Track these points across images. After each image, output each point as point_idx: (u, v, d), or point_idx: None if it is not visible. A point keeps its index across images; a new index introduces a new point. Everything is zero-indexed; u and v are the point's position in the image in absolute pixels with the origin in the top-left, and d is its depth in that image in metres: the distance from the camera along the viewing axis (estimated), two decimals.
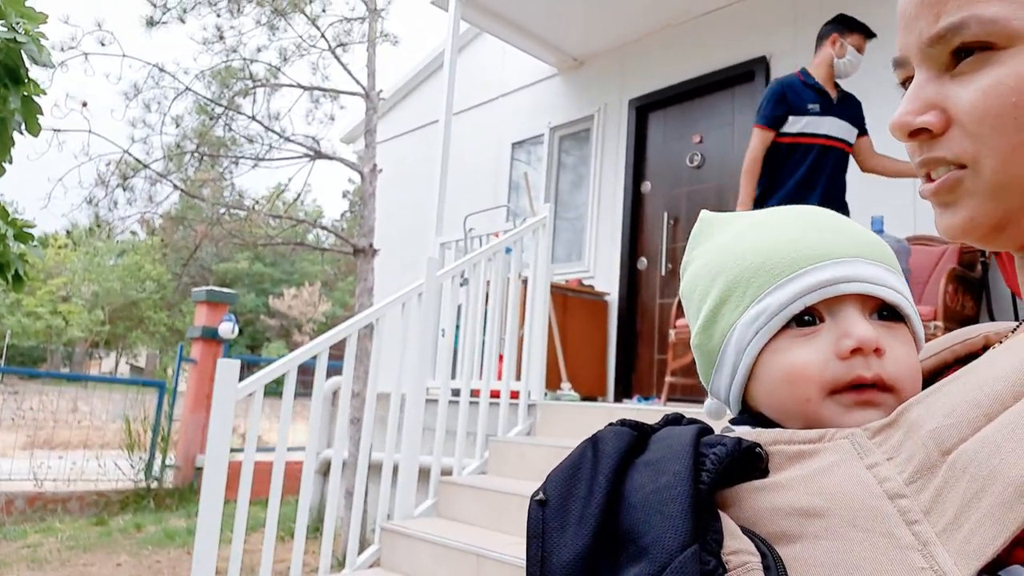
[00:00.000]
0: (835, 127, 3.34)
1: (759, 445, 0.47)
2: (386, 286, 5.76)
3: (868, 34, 3.40)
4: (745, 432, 0.50)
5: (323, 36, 5.72)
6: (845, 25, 3.38)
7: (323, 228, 6.24)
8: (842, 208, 3.34)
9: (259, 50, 5.84)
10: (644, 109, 5.71)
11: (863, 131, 3.49)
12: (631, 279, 5.56)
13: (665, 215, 5.38)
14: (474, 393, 3.92)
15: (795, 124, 3.29)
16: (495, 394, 3.85)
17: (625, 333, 5.46)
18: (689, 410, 0.66)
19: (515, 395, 3.98)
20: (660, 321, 5.29)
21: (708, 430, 0.51)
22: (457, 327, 4.17)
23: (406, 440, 3.34)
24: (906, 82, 0.58)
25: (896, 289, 0.54)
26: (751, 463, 0.46)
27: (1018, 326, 0.62)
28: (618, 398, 5.33)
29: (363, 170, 5.57)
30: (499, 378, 3.92)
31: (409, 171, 7.49)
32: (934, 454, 0.41)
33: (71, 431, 9.33)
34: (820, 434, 0.46)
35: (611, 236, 5.76)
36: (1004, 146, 0.49)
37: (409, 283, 3.53)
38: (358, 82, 5.59)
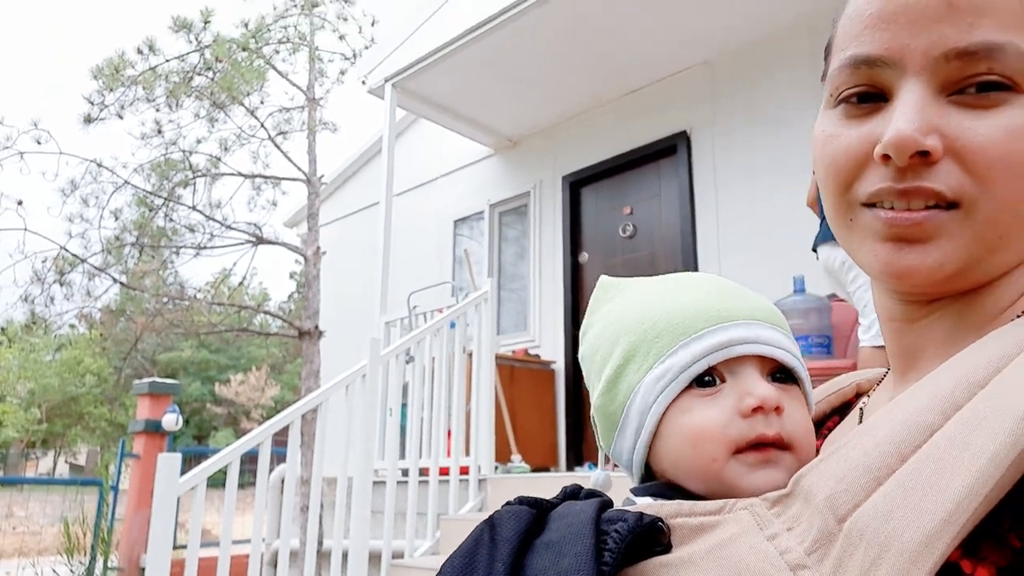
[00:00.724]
0: None
1: (661, 519, 0.46)
2: (334, 367, 5.75)
3: None
4: (646, 505, 0.50)
5: (263, 126, 5.86)
6: None
7: (267, 313, 6.23)
8: None
9: (199, 141, 5.93)
10: (577, 184, 5.96)
11: None
12: (575, 347, 5.66)
13: None
14: (423, 472, 3.91)
15: None
16: (444, 471, 3.85)
17: (573, 400, 5.54)
18: None
19: (465, 471, 3.98)
20: None
21: (608, 503, 0.51)
22: (404, 405, 4.19)
23: (355, 524, 3.31)
24: (855, 89, 0.52)
25: (791, 352, 0.55)
26: (653, 538, 0.45)
27: (886, 373, 0.63)
28: (569, 466, 5.36)
29: (307, 253, 5.63)
30: (448, 455, 3.93)
31: (353, 252, 7.57)
32: (831, 522, 0.41)
33: (6, 538, 8.86)
34: (720, 505, 0.46)
35: (553, 306, 5.89)
36: (1006, 194, 0.47)
37: (357, 363, 3.57)
38: (299, 168, 5.71)
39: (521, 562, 0.45)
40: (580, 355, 0.62)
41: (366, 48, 5.90)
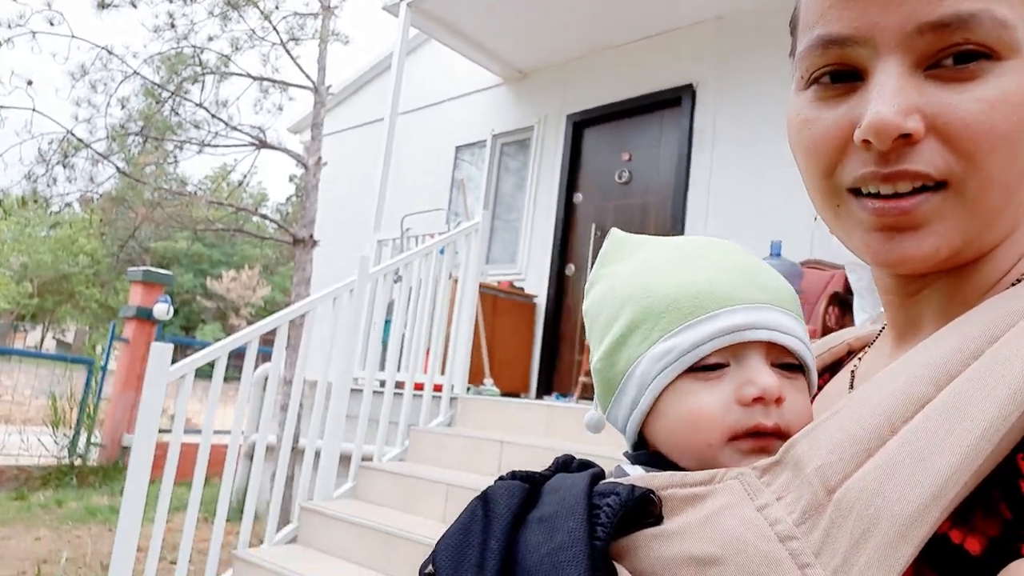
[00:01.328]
0: None
1: (652, 491, 0.46)
2: (326, 275, 5.92)
3: None
4: (638, 476, 0.50)
5: (275, 30, 5.85)
6: None
7: (263, 217, 6.35)
8: None
9: (210, 39, 5.92)
10: (581, 124, 6.02)
11: None
12: (559, 284, 5.86)
13: (593, 226, 5.69)
14: (399, 385, 4.14)
15: None
16: (419, 387, 4.08)
17: (550, 334, 5.76)
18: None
19: (438, 388, 4.21)
20: (582, 325, 5.59)
21: (600, 475, 0.51)
22: (388, 321, 4.38)
23: (329, 426, 3.54)
24: (826, 68, 0.50)
25: (801, 339, 0.54)
26: (645, 510, 0.45)
27: (881, 331, 0.63)
28: (539, 395, 5.62)
29: (308, 162, 5.72)
30: (424, 371, 4.15)
31: (354, 165, 7.64)
32: (820, 493, 0.40)
33: None
34: (711, 475, 0.45)
35: (544, 242, 6.05)
36: (994, 168, 0.45)
37: (348, 275, 3.73)
38: (308, 76, 5.73)
39: (515, 538, 0.45)
40: (584, 308, 0.62)
41: None
